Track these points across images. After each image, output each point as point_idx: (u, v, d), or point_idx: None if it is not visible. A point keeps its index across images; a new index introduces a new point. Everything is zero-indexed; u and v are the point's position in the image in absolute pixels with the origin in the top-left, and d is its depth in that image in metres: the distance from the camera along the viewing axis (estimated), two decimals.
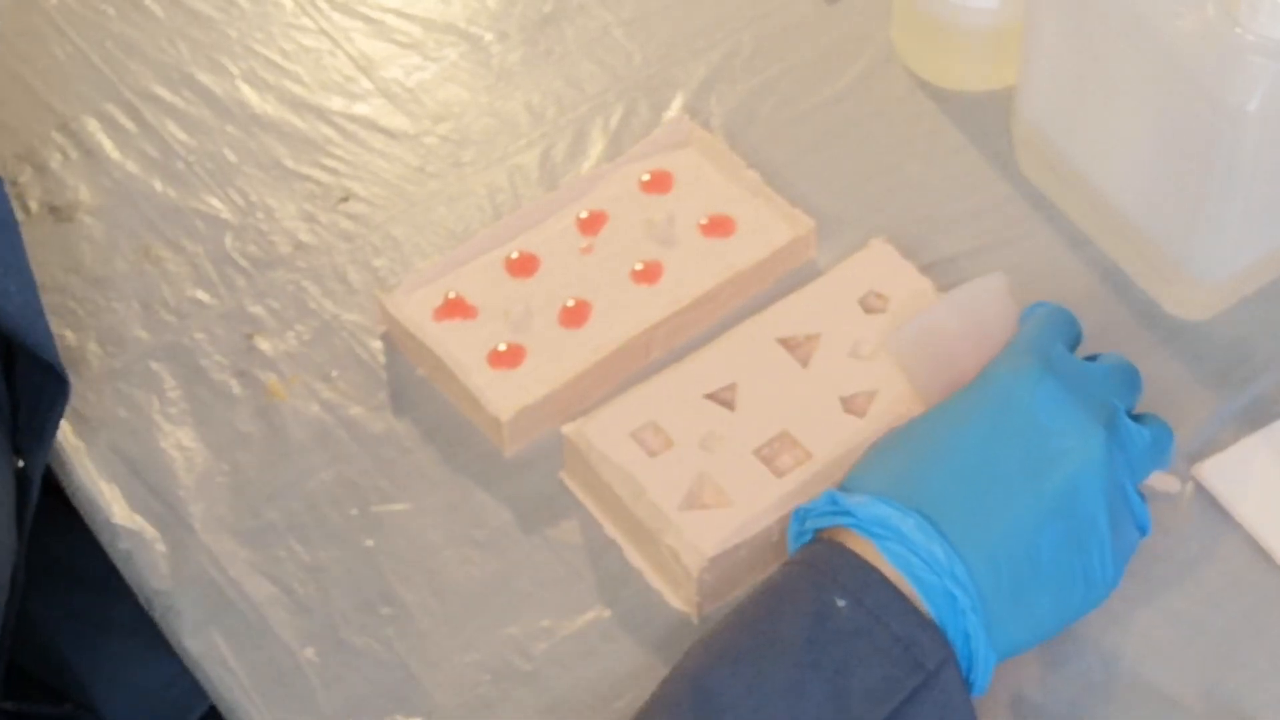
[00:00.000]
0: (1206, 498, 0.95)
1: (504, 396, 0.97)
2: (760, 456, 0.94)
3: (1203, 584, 0.93)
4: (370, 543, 0.95)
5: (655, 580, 0.93)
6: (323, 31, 1.16)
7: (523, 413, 0.96)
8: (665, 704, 0.81)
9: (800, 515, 0.86)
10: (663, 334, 1.00)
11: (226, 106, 1.13)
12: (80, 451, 0.99)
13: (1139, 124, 0.98)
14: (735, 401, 0.96)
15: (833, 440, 0.94)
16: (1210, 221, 0.97)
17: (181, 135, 1.11)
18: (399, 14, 1.17)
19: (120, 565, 0.96)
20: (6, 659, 1.00)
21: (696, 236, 1.03)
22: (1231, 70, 0.91)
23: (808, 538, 0.86)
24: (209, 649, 0.92)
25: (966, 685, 0.83)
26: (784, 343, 0.98)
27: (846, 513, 0.84)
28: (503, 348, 0.99)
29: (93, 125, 1.12)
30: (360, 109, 1.12)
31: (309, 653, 0.92)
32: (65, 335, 1.03)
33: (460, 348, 0.99)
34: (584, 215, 1.04)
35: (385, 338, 1.02)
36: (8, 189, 1.08)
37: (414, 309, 1.00)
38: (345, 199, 1.08)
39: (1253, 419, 0.97)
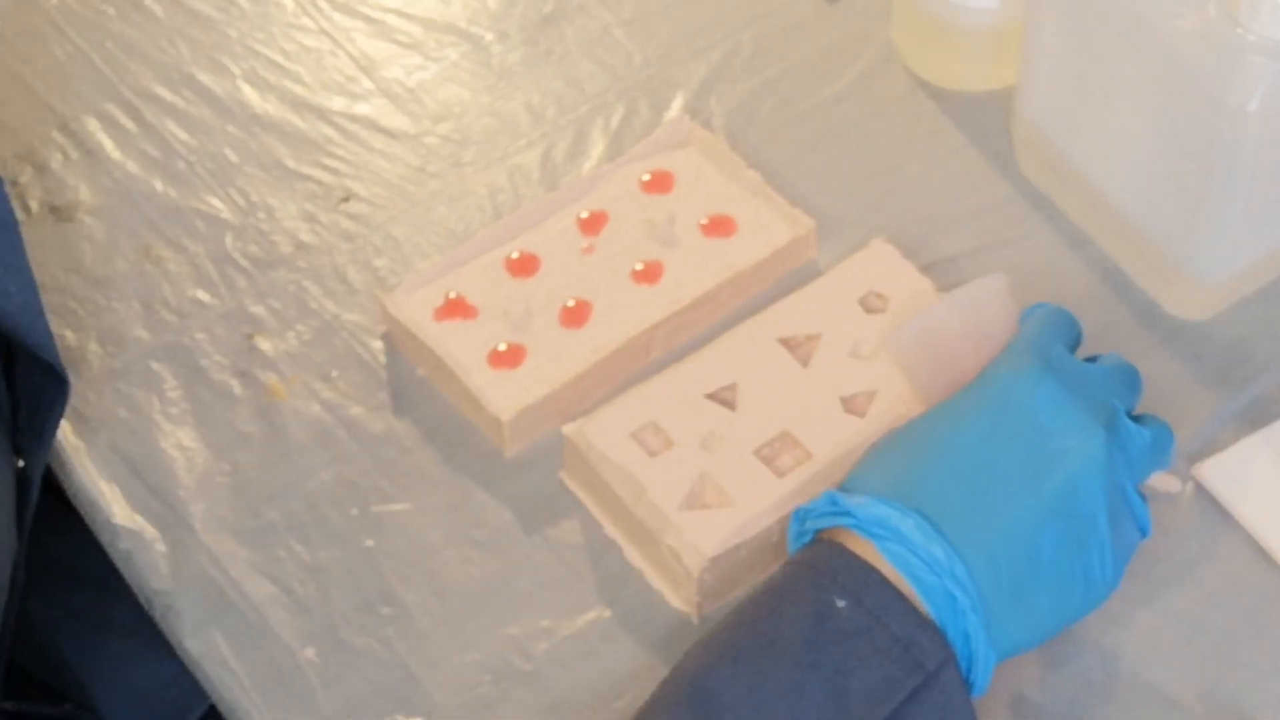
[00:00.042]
0: (1206, 498, 0.95)
1: (504, 396, 0.97)
2: (761, 456, 0.94)
3: (1203, 584, 0.93)
4: (370, 543, 0.95)
5: (655, 580, 0.93)
6: (323, 31, 1.16)
7: (523, 413, 0.97)
8: (665, 704, 0.81)
9: (800, 516, 0.86)
10: (663, 334, 1.00)
11: (227, 106, 1.13)
12: (80, 451, 0.99)
13: (1139, 124, 0.98)
14: (736, 401, 0.96)
15: (833, 440, 0.94)
16: (1210, 221, 0.97)
17: (182, 135, 1.11)
18: (400, 14, 1.17)
19: (120, 565, 0.96)
20: (6, 659, 1.00)
21: (697, 236, 1.03)
22: (1231, 70, 0.91)
23: (808, 538, 0.86)
24: (209, 649, 0.92)
25: (966, 685, 0.83)
26: (784, 343, 0.98)
27: (846, 513, 0.84)
28: (503, 348, 0.99)
29: (93, 125, 1.12)
30: (361, 109, 1.12)
31: (309, 653, 0.92)
32: (65, 335, 1.03)
33: (460, 348, 0.99)
34: (584, 215, 1.04)
35: (385, 338, 1.02)
36: (8, 189, 1.08)
37: (414, 309, 1.00)
38: (346, 199, 1.08)
39: (1253, 419, 0.97)
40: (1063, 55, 1.01)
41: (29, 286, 0.89)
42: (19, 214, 1.07)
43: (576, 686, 0.91)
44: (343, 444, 0.99)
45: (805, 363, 0.97)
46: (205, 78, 1.14)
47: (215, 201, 1.09)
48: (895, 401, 0.95)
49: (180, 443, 0.99)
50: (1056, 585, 0.84)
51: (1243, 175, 0.95)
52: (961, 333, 0.91)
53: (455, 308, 1.00)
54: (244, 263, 1.06)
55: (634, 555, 0.94)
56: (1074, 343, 0.91)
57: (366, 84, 1.14)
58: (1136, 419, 0.88)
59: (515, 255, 1.02)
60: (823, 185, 1.08)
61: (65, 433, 0.99)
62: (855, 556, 0.83)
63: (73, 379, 0.93)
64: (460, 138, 1.11)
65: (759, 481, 0.93)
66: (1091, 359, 0.90)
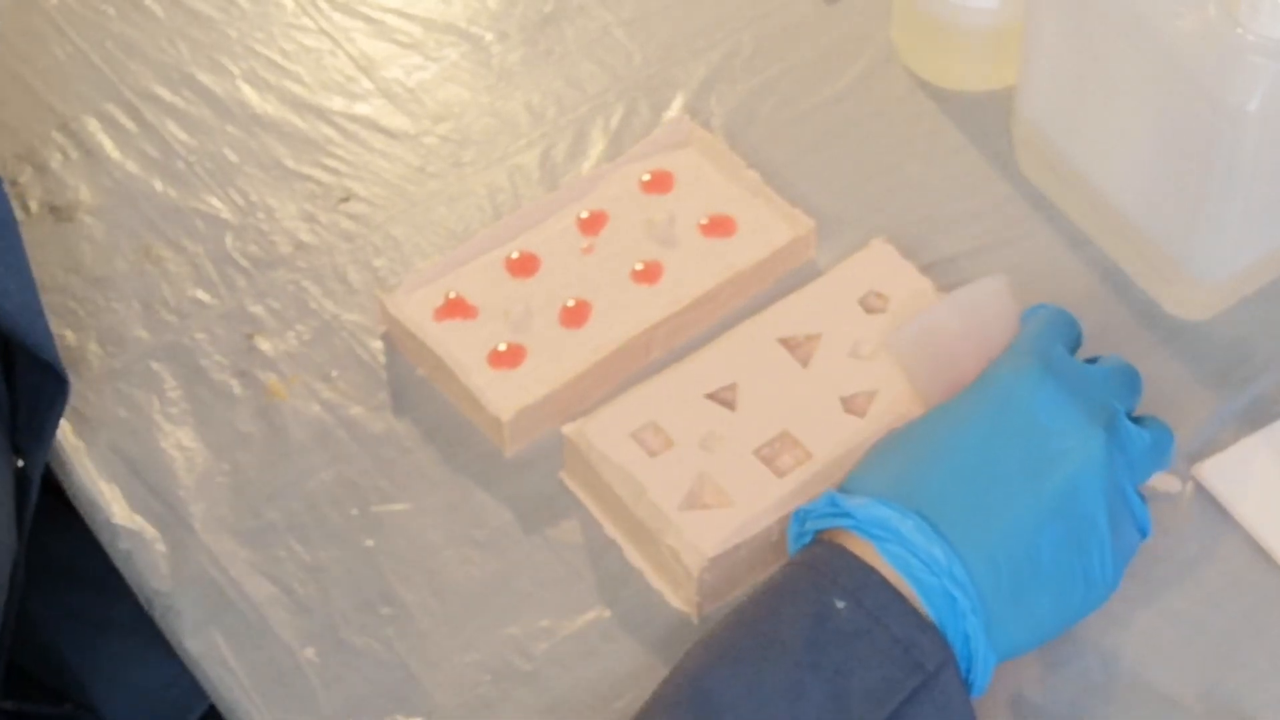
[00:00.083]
0: (1206, 498, 0.95)
1: (504, 396, 0.97)
2: (760, 456, 0.94)
3: (1203, 584, 0.93)
4: (370, 543, 0.95)
5: (655, 580, 0.93)
6: (323, 31, 1.16)
7: (523, 413, 0.97)
8: (665, 704, 0.81)
9: (800, 517, 0.86)
10: (663, 334, 1.00)
11: (227, 106, 1.13)
12: (80, 451, 0.99)
13: (1139, 124, 0.98)
14: (735, 401, 0.96)
15: (833, 440, 0.94)
16: (1210, 221, 0.97)
17: (182, 135, 1.11)
18: (399, 14, 1.17)
19: (120, 565, 0.96)
20: (6, 659, 1.00)
21: (697, 236, 1.03)
22: (1231, 70, 0.91)
23: (808, 539, 0.86)
24: (209, 649, 0.92)
25: (966, 686, 0.82)
26: (784, 343, 0.98)
27: (846, 514, 0.84)
28: (503, 348, 0.99)
29: (93, 125, 1.12)
30: (361, 109, 1.12)
31: (309, 653, 0.92)
32: (65, 335, 1.03)
33: (460, 348, 0.99)
34: (584, 215, 1.04)
35: (385, 338, 1.02)
36: (8, 189, 1.08)
37: (414, 309, 1.00)
38: (346, 199, 1.08)
39: (1253, 419, 0.97)
40: (1063, 55, 1.01)
41: (29, 286, 0.89)
42: (19, 214, 1.07)
43: (576, 686, 0.91)
44: (343, 444, 0.99)
45: (805, 363, 0.97)
46: (205, 78, 1.14)
47: (215, 201, 1.09)
48: (895, 401, 0.95)
49: (180, 443, 0.99)
50: (1056, 586, 0.84)
51: (1243, 175, 0.95)
52: (962, 333, 0.91)
53: (455, 308, 1.00)
54: (244, 263, 1.06)
55: (634, 555, 0.94)
56: (1074, 344, 0.91)
57: (366, 84, 1.14)
58: (1137, 420, 0.88)
59: (515, 255, 1.02)
60: (823, 185, 1.08)
61: (65, 432, 0.99)
62: (855, 557, 0.83)
63: (73, 379, 0.93)
64: (460, 138, 1.11)
65: (759, 481, 0.93)
66: (1092, 360, 0.90)
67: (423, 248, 1.06)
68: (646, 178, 1.05)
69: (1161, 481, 0.93)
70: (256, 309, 1.04)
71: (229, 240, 1.07)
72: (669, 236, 1.03)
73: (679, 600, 0.93)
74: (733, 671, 0.81)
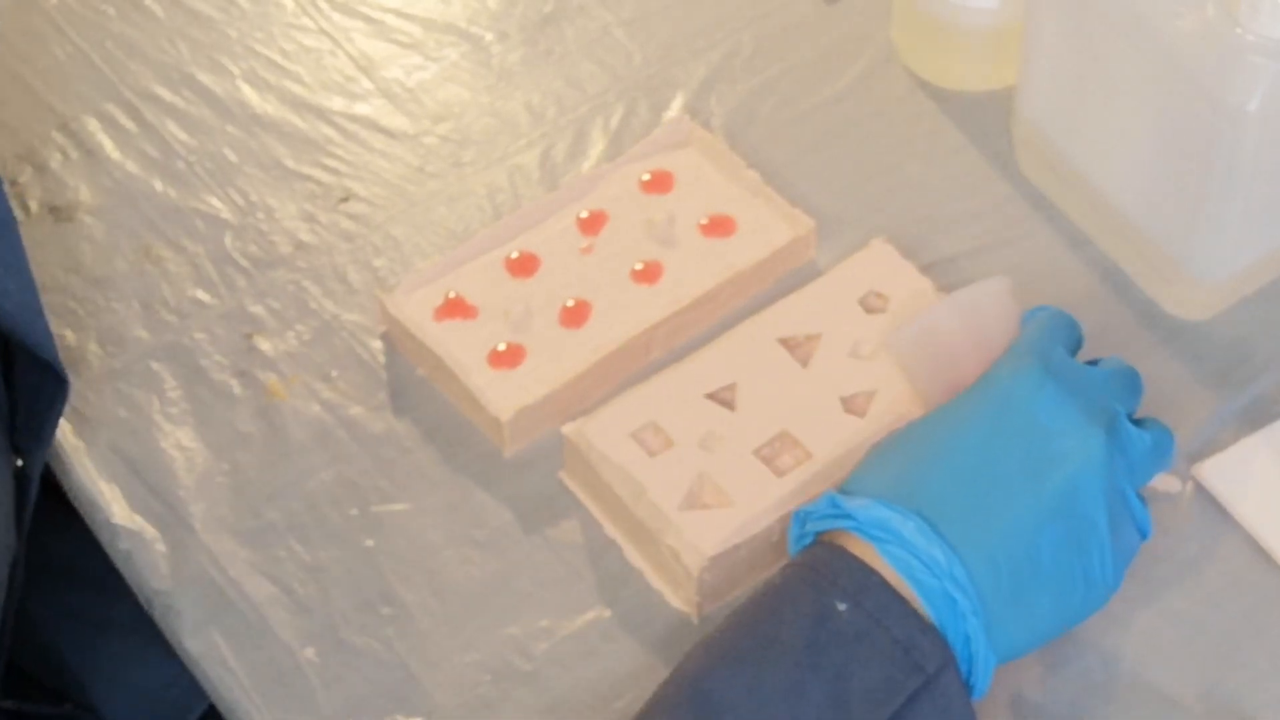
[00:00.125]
0: (1206, 498, 0.95)
1: (504, 396, 0.97)
2: (760, 456, 0.94)
3: (1203, 584, 0.93)
4: (370, 543, 0.95)
5: (655, 580, 0.93)
6: (323, 31, 1.16)
7: (523, 413, 0.96)
8: (665, 705, 0.81)
9: (801, 518, 0.86)
10: (663, 334, 1.00)
11: (227, 106, 1.13)
12: (80, 451, 0.99)
13: (1139, 124, 0.98)
14: (735, 401, 0.96)
15: (833, 440, 0.94)
16: (1210, 221, 0.97)
17: (182, 135, 1.11)
18: (399, 14, 1.17)
19: (120, 565, 0.96)
20: (6, 659, 1.00)
21: (696, 236, 1.03)
22: (1231, 70, 0.91)
23: (808, 540, 0.86)
24: (209, 649, 0.92)
25: (966, 688, 0.82)
26: (784, 343, 0.98)
27: (847, 516, 0.84)
28: (503, 348, 0.99)
29: (93, 125, 1.12)
30: (361, 109, 1.12)
31: (309, 653, 0.92)
32: (65, 335, 1.03)
33: (460, 348, 0.99)
34: (584, 215, 1.04)
35: (385, 338, 1.02)
36: (8, 189, 1.08)
37: (414, 309, 1.00)
38: (345, 199, 1.08)
39: (1253, 419, 0.97)
40: (1063, 55, 1.01)
41: (28, 286, 0.89)
42: (19, 214, 1.07)
43: (576, 686, 0.91)
44: (343, 444, 0.99)
45: (805, 363, 0.97)
46: (205, 78, 1.14)
47: (215, 201, 1.09)
48: (895, 401, 0.95)
49: (180, 443, 0.99)
50: (1056, 587, 0.84)
51: (1243, 175, 0.95)
52: (962, 334, 0.90)
53: (455, 308, 1.00)
54: (244, 262, 1.06)
55: (634, 555, 0.94)
56: (1075, 346, 0.91)
57: (366, 84, 1.14)
58: (1137, 422, 0.88)
59: (515, 255, 1.02)
60: (823, 185, 1.08)
61: (65, 432, 0.99)
62: (855, 559, 0.83)
63: (73, 379, 0.93)
64: (460, 138, 1.11)
65: (759, 481, 0.93)
66: (1093, 362, 0.90)
67: (423, 248, 1.06)
68: (646, 178, 1.05)
69: (1161, 482, 0.93)
70: (256, 309, 1.04)
71: (229, 240, 1.07)
72: (669, 236, 1.03)
73: (679, 600, 0.93)
74: (733, 673, 0.81)
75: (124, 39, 1.16)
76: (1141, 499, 0.87)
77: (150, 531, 0.96)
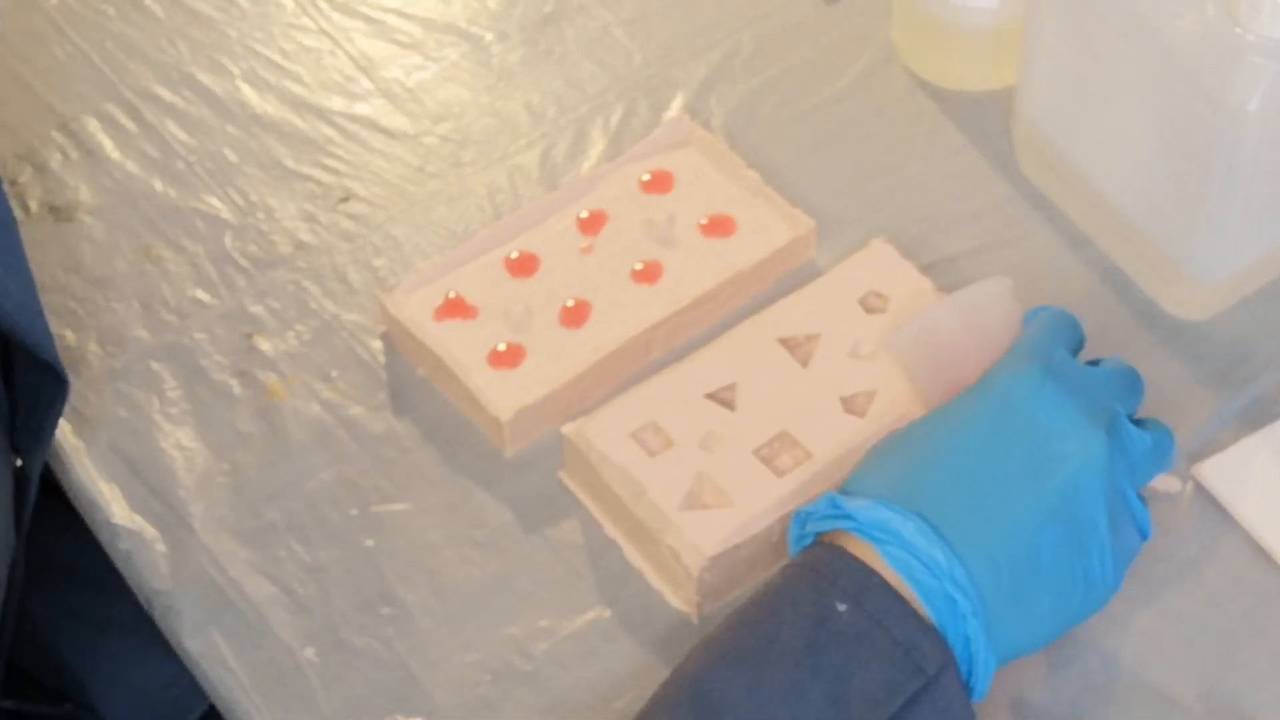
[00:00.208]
0: (1206, 498, 0.95)
1: (504, 396, 0.97)
2: (760, 456, 0.94)
3: (1203, 584, 0.93)
4: (370, 543, 0.95)
5: (655, 580, 0.93)
6: (323, 31, 1.16)
7: (523, 413, 0.96)
8: (665, 705, 0.81)
9: (801, 518, 0.86)
10: (663, 334, 1.00)
11: (227, 106, 1.13)
12: (80, 451, 0.99)
13: (1139, 124, 0.98)
14: (735, 401, 0.96)
15: (833, 440, 0.94)
16: (1210, 221, 0.97)
17: (182, 135, 1.11)
18: (399, 14, 1.17)
19: (120, 565, 0.96)
20: (6, 659, 1.00)
21: (696, 236, 1.03)
22: (1231, 70, 0.91)
23: (808, 540, 0.86)
24: (209, 649, 0.92)
25: (966, 689, 0.82)
26: (784, 343, 0.98)
27: (847, 516, 0.84)
28: (503, 348, 0.99)
29: (93, 125, 1.12)
30: (360, 109, 1.12)
31: (309, 653, 0.92)
32: (65, 335, 1.03)
33: (460, 348, 0.99)
34: (584, 215, 1.04)
35: (385, 338, 1.02)
36: (8, 189, 1.08)
37: (414, 309, 1.00)
38: (345, 199, 1.08)
39: (1253, 419, 0.97)
40: (1063, 55, 1.01)
41: (28, 286, 0.89)
42: (19, 214, 1.07)
43: (576, 686, 0.91)
44: (343, 444, 0.99)
45: (805, 363, 0.97)
46: (205, 78, 1.14)
47: (215, 201, 1.09)
48: (895, 401, 0.95)
49: (180, 443, 0.99)
50: (1057, 588, 0.84)
51: (1243, 175, 0.95)
52: (962, 334, 0.91)
53: (455, 308, 1.00)
54: (244, 262, 1.06)
55: (634, 555, 0.94)
56: (1076, 346, 0.91)
57: (366, 84, 1.14)
58: (1138, 423, 0.88)
59: (515, 255, 1.02)
60: (823, 185, 1.08)
61: (65, 432, 0.99)
62: (856, 560, 0.83)
63: (72, 379, 0.93)
64: (460, 138, 1.11)
65: (759, 481, 0.93)
66: (1093, 362, 0.90)
67: (423, 248, 1.06)
68: (646, 178, 1.05)
69: (1162, 482, 0.93)
70: (256, 309, 1.04)
71: (229, 240, 1.07)
72: (669, 236, 1.03)
73: (679, 600, 0.93)
74: (733, 673, 0.81)
75: (124, 39, 1.16)
76: (1142, 499, 0.87)
77: (150, 531, 0.96)
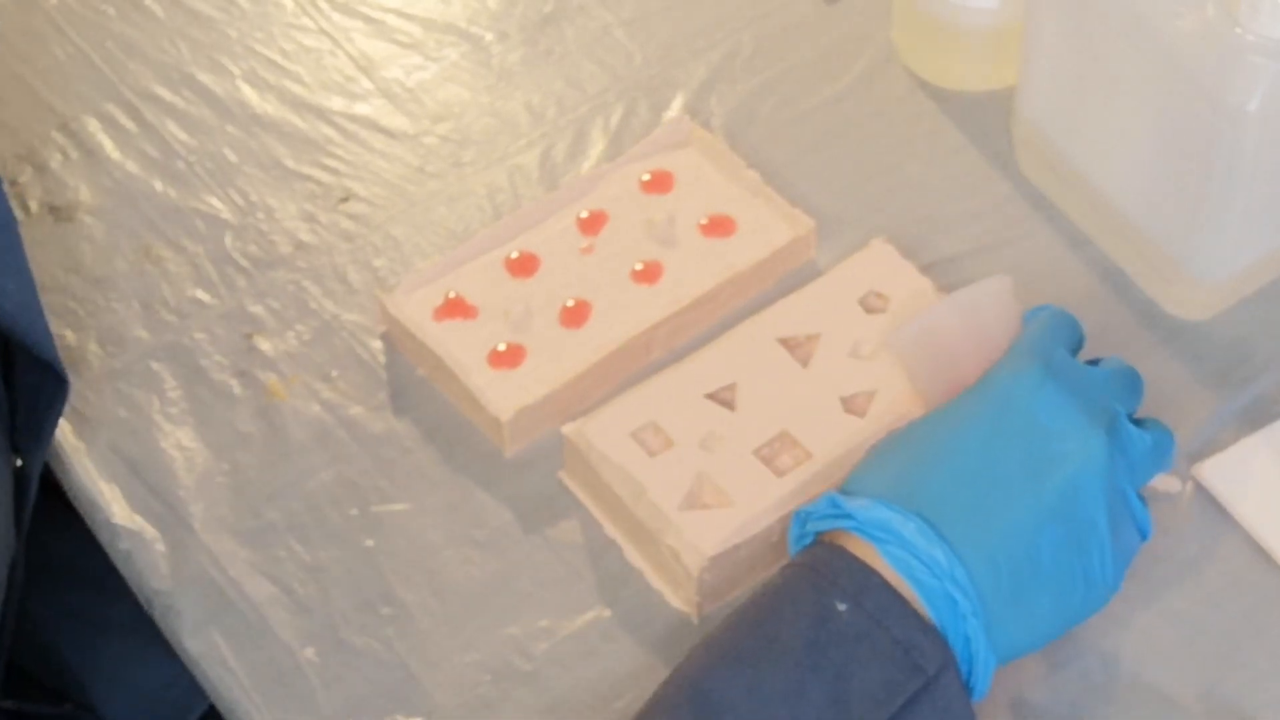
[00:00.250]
0: (1206, 498, 0.95)
1: (504, 396, 0.97)
2: (760, 456, 0.94)
3: (1203, 584, 0.93)
4: (370, 543, 0.95)
5: (655, 580, 0.93)
6: (323, 31, 1.16)
7: (523, 413, 0.96)
8: (665, 706, 0.81)
9: (801, 518, 0.86)
10: (663, 334, 1.00)
11: (227, 106, 1.13)
12: (80, 451, 0.99)
13: (1139, 124, 0.98)
14: (735, 401, 0.96)
15: (833, 440, 0.94)
16: (1210, 221, 0.97)
17: (182, 135, 1.11)
18: (399, 14, 1.17)
19: (120, 565, 0.96)
20: (6, 659, 1.00)
21: (696, 236, 1.03)
22: (1231, 70, 0.91)
23: (808, 540, 0.86)
24: (209, 649, 0.92)
25: (967, 689, 0.82)
26: (784, 343, 0.98)
27: (847, 516, 0.84)
28: (503, 348, 0.99)
29: (93, 125, 1.12)
30: (360, 109, 1.12)
31: (309, 653, 0.92)
32: (65, 335, 1.03)
33: (460, 348, 0.99)
34: (584, 215, 1.04)
35: (385, 338, 1.02)
36: (8, 189, 1.08)
37: (414, 309, 1.00)
38: (345, 199, 1.08)
39: (1253, 419, 0.97)
40: (1063, 55, 1.01)
41: (28, 286, 0.89)
42: (19, 214, 1.07)
43: (576, 686, 0.91)
44: (343, 444, 0.99)
45: (805, 363, 0.97)
46: (205, 78, 1.14)
47: (215, 201, 1.09)
48: (895, 401, 0.95)
49: (180, 443, 0.99)
50: (1056, 587, 0.84)
51: (1243, 175, 0.95)
52: (963, 333, 0.90)
53: (455, 308, 1.00)
54: (244, 263, 1.06)
55: (634, 555, 0.94)
56: (1076, 346, 0.91)
57: (366, 84, 1.14)
58: (1138, 422, 0.88)
59: (515, 255, 1.02)
60: (823, 185, 1.08)
61: (65, 432, 0.99)
62: (856, 559, 0.83)
63: (73, 379, 0.93)
64: (460, 138, 1.11)
65: (759, 481, 0.93)
66: (1093, 362, 0.90)
67: (423, 248, 1.06)
68: (646, 178, 1.05)
69: (1161, 482, 0.93)
70: (256, 309, 1.04)
71: (229, 240, 1.07)
72: (669, 236, 1.03)
73: (679, 600, 0.93)
74: (733, 673, 0.81)
75: (124, 39, 1.16)
76: (1142, 499, 0.87)
77: (150, 531, 0.96)
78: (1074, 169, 1.04)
